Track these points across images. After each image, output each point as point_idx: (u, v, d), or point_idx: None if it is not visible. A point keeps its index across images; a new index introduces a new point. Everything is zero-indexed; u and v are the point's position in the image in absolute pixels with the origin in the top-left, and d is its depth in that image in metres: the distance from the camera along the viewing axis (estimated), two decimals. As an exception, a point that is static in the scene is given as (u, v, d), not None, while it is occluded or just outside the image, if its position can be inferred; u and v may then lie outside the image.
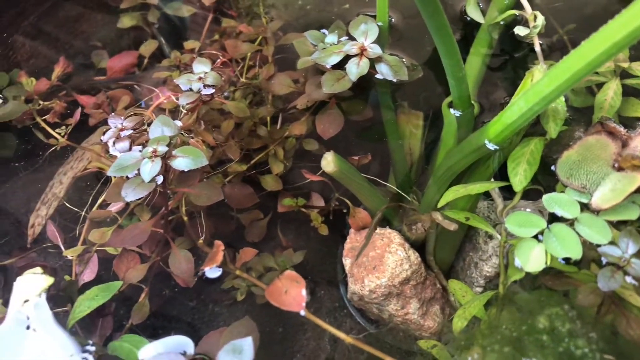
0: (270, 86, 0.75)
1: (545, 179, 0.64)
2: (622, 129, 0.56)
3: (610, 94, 0.67)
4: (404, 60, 0.69)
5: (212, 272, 0.58)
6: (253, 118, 0.71)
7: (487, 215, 0.70)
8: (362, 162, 0.73)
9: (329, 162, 0.65)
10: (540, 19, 0.62)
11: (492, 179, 0.65)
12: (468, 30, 0.75)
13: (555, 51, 0.77)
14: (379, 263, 0.67)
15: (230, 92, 0.74)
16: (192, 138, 0.68)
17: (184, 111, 0.70)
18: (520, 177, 0.59)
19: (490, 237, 0.64)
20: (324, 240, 0.75)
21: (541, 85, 0.50)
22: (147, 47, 0.83)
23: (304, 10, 0.78)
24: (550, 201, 0.54)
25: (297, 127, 0.73)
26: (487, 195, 0.68)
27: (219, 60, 0.79)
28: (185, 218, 0.63)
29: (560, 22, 0.79)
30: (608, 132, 0.55)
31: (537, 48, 0.65)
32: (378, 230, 0.71)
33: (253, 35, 0.80)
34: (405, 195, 0.73)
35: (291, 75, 0.76)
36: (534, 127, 0.64)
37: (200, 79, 0.65)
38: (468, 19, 0.70)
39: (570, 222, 0.52)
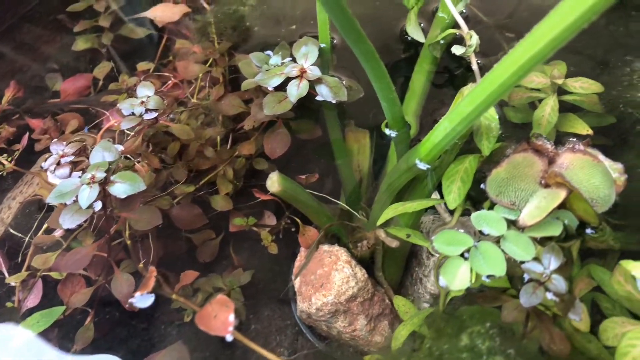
0: (220, 107, 0.76)
1: (482, 196, 0.65)
2: (549, 146, 0.58)
3: (548, 110, 0.68)
4: (344, 81, 0.70)
5: (144, 298, 0.58)
6: (200, 139, 0.72)
7: (434, 229, 0.71)
8: (310, 180, 0.74)
9: (273, 182, 0.66)
10: (475, 38, 0.63)
11: (438, 195, 0.66)
12: (413, 48, 0.76)
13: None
14: (326, 281, 0.68)
15: (179, 113, 0.75)
16: (138, 161, 0.69)
17: (132, 133, 0.71)
18: (454, 194, 0.60)
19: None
20: (276, 259, 0.75)
21: (462, 106, 0.51)
22: (101, 70, 0.84)
23: (251, 31, 0.79)
24: (479, 219, 0.55)
25: (246, 147, 0.74)
26: (434, 208, 0.69)
27: (170, 82, 0.80)
28: (129, 242, 0.64)
29: (507, 38, 0.80)
30: (535, 149, 0.56)
31: (474, 66, 0.66)
32: (326, 247, 0.72)
33: (205, 56, 0.81)
34: (354, 212, 0.73)
35: (242, 96, 0.77)
36: (471, 144, 0.65)
37: (142, 102, 0.65)
38: (409, 38, 0.71)
39: (497, 240, 0.53)
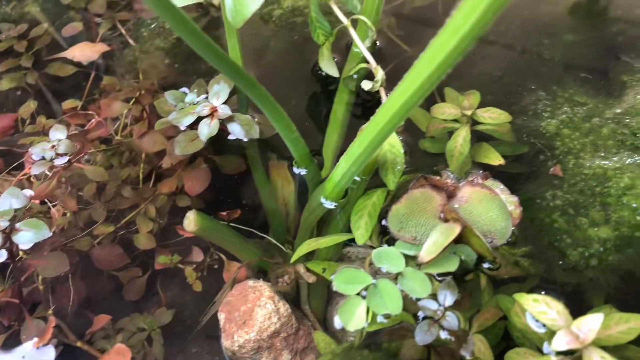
0: (142, 144, 0.76)
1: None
2: (448, 180, 0.58)
3: (460, 141, 0.69)
4: (256, 118, 0.70)
5: (42, 352, 0.57)
6: (117, 179, 0.72)
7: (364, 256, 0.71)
8: (232, 216, 0.74)
9: (190, 221, 0.66)
10: (381, 73, 0.64)
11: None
12: (334, 81, 0.77)
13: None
14: (249, 317, 0.68)
15: (99, 152, 0.75)
16: (55, 205, 0.68)
17: (50, 174, 0.71)
18: (362, 230, 0.61)
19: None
20: (205, 295, 0.75)
21: (354, 147, 0.52)
22: (26, 109, 0.84)
23: (173, 68, 0.79)
24: (379, 256, 0.55)
25: (167, 184, 0.74)
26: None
27: (94, 120, 0.80)
28: (42, 287, 0.63)
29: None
30: (432, 185, 0.57)
31: (384, 100, 0.67)
32: (251, 283, 0.71)
33: (130, 94, 0.81)
34: (281, 246, 0.73)
35: (165, 132, 0.77)
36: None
37: (53, 147, 0.65)
38: (323, 73, 0.72)
39: (396, 277, 0.54)
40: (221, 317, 0.71)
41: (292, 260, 0.64)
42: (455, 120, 0.72)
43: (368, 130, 0.49)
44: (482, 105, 0.71)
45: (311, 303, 0.71)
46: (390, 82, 0.80)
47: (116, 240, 0.75)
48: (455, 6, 0.35)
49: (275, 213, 0.75)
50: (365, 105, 0.77)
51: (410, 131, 0.76)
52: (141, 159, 0.78)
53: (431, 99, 0.79)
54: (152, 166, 0.78)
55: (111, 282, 0.74)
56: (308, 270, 0.69)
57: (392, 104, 0.45)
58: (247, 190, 0.78)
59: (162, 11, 0.37)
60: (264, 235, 0.74)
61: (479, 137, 0.70)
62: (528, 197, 0.60)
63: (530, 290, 0.58)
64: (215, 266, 0.73)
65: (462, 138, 0.69)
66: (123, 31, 0.88)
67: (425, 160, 0.73)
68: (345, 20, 0.67)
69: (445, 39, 0.37)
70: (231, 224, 0.74)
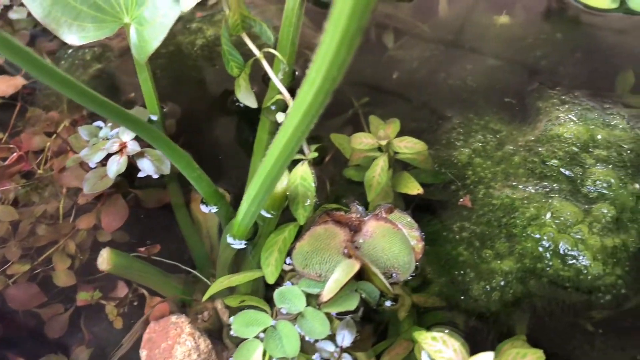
0: (62, 179, 0.75)
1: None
2: (353, 215, 0.58)
3: (378, 170, 0.68)
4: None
5: None
6: (31, 217, 0.70)
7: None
8: (152, 251, 0.72)
9: (104, 259, 0.65)
10: (292, 105, 0.63)
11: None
12: (254, 110, 0.76)
13: (347, 126, 0.79)
14: (169, 355, 0.66)
15: (10, 190, 0.73)
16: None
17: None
18: (271, 267, 0.60)
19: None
20: (130, 331, 0.74)
21: (250, 187, 0.51)
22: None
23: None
24: (281, 295, 0.54)
25: (85, 220, 0.73)
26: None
27: (14, 154, 0.78)
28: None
29: (358, 95, 0.81)
30: (335, 221, 0.56)
31: (299, 132, 0.66)
32: (174, 319, 0.70)
33: (51, 127, 0.80)
34: (206, 281, 0.72)
35: (86, 166, 0.76)
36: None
37: (-42, 187, 0.63)
38: (241, 105, 0.71)
39: (295, 317, 0.53)
40: (143, 354, 0.70)
41: (204, 298, 0.62)
42: (378, 149, 0.71)
43: (259, 174, 0.48)
44: (406, 132, 0.71)
45: (231, 337, 0.70)
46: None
47: (38, 279, 0.73)
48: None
49: (199, 247, 0.73)
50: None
51: (337, 159, 0.76)
52: (62, 194, 0.76)
53: (359, 126, 0.79)
54: (74, 200, 0.76)
55: (32, 320, 0.72)
56: (226, 306, 0.68)
57: (273, 151, 0.44)
58: (171, 223, 0.77)
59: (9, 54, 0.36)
60: (189, 270, 0.73)
61: (405, 166, 0.70)
62: (436, 229, 0.60)
63: (450, 321, 0.57)
64: (135, 303, 0.72)
65: (380, 168, 0.68)
66: (48, 61, 0.86)
67: (351, 188, 0.72)
68: (257, 53, 0.67)
69: (305, 92, 0.36)
70: (155, 258, 0.73)
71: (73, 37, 0.61)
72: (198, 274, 0.72)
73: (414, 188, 0.67)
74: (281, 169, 0.46)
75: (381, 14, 0.92)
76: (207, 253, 0.74)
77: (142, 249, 0.71)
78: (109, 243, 0.74)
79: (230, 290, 0.67)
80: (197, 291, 0.72)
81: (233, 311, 0.61)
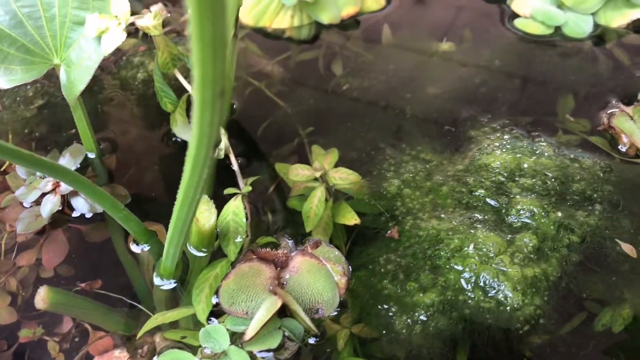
0: (4, 216, 0.75)
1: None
2: (280, 251, 0.58)
3: (315, 201, 0.69)
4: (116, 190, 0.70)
5: None
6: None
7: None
8: (94, 286, 0.72)
9: (41, 297, 0.65)
10: (224, 140, 0.64)
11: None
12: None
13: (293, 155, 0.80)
14: (109, 392, 0.66)
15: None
16: None
17: None
18: (202, 305, 0.60)
19: None
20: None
21: (170, 229, 0.52)
22: None
23: (33, 136, 0.78)
24: (206, 334, 0.55)
25: (26, 257, 0.73)
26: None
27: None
28: None
29: (303, 124, 0.82)
30: (261, 258, 0.57)
31: (234, 166, 0.68)
32: (117, 353, 0.70)
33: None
34: (149, 313, 0.72)
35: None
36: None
37: None
38: (179, 139, 0.72)
39: (219, 356, 0.53)
40: (85, 391, 0.70)
41: (138, 335, 0.63)
42: (316, 179, 0.72)
43: (173, 215, 0.49)
44: (346, 162, 0.72)
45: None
46: (259, 144, 0.81)
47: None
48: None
49: (140, 281, 0.74)
50: (229, 168, 0.78)
51: (282, 188, 0.77)
52: (5, 231, 0.76)
53: (305, 155, 0.80)
54: (14, 238, 0.76)
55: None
56: (166, 339, 0.68)
57: (180, 193, 0.45)
58: (114, 257, 0.77)
59: None
60: (133, 303, 0.73)
61: (348, 197, 0.71)
62: (364, 262, 0.61)
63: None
64: (77, 339, 0.72)
65: (317, 199, 0.69)
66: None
67: (294, 219, 0.73)
68: (189, 88, 0.68)
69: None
70: (98, 291, 0.73)
71: (1, 80, 0.61)
72: (142, 307, 0.72)
73: (351, 218, 0.68)
74: (190, 208, 0.47)
75: (327, 43, 0.93)
76: (149, 287, 0.74)
77: (83, 284, 0.71)
78: (52, 279, 0.75)
79: (172, 325, 0.68)
80: (140, 325, 0.72)
81: (164, 348, 0.61)
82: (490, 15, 0.95)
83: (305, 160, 0.79)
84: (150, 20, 0.60)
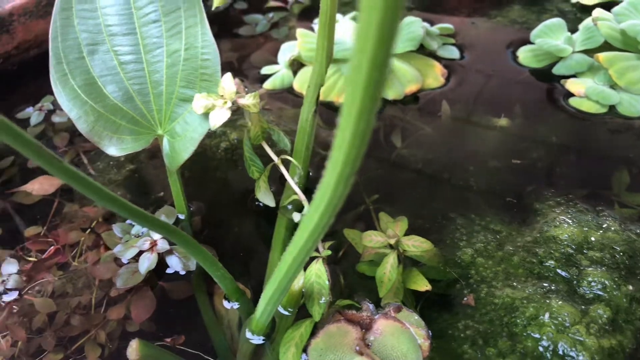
0: (95, 271, 0.81)
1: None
2: (364, 314, 0.62)
3: (388, 267, 0.73)
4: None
5: None
6: (67, 308, 0.76)
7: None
8: (177, 342, 0.77)
9: (133, 349, 0.69)
10: (307, 206, 0.70)
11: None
12: (272, 208, 0.83)
13: (359, 221, 0.85)
14: None
15: (52, 282, 0.79)
16: (4, 336, 0.72)
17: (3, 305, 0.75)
18: (289, 361, 0.64)
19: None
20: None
21: (266, 290, 0.56)
22: (-9, 237, 0.89)
23: (125, 199, 0.85)
24: (297, 391, 0.58)
25: (115, 311, 0.78)
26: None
27: (52, 248, 0.85)
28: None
29: (368, 192, 0.88)
30: (347, 319, 0.61)
31: (314, 231, 0.72)
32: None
33: (86, 223, 0.87)
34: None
35: (118, 260, 0.82)
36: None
37: (3, 282, 0.70)
38: (261, 204, 0.78)
39: (311, 413, 0.56)
40: None
41: (225, 390, 0.66)
42: (388, 246, 0.77)
43: (275, 275, 0.54)
44: (413, 230, 0.76)
45: None
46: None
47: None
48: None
49: (220, 338, 0.78)
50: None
51: (350, 253, 0.81)
52: (95, 285, 0.82)
53: (370, 221, 0.85)
54: (106, 292, 0.82)
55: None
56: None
57: (290, 253, 0.50)
58: (195, 314, 0.82)
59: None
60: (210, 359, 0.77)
61: (415, 262, 0.75)
62: (442, 327, 0.64)
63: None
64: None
65: (390, 265, 0.73)
66: (86, 161, 0.95)
67: (363, 283, 0.77)
68: (275, 159, 0.74)
69: (315, 206, 0.42)
70: (180, 347, 0.77)
71: (113, 148, 0.69)
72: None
73: (422, 285, 0.72)
74: (297, 270, 0.51)
75: (389, 116, 1.00)
76: (229, 344, 0.78)
77: (168, 340, 0.76)
78: (137, 333, 0.79)
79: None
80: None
81: (252, 404, 0.64)
82: (544, 93, 1.01)
83: (372, 227, 0.83)
84: (250, 99, 0.67)
